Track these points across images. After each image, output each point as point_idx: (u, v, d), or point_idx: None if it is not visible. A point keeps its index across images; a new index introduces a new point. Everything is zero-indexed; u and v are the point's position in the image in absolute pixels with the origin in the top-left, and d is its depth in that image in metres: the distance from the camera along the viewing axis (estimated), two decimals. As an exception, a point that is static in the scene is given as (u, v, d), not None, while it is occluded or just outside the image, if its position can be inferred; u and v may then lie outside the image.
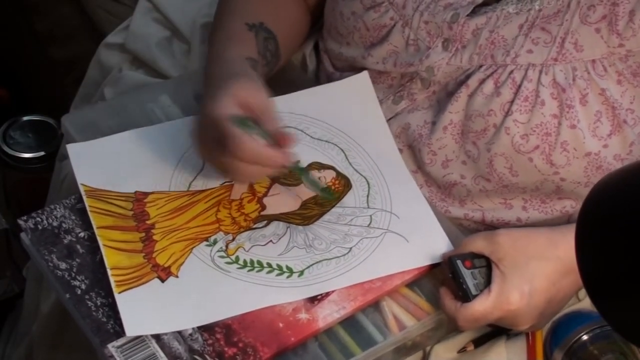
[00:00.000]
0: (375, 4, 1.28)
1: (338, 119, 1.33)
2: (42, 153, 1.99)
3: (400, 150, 1.30)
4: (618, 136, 1.20)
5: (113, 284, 1.14)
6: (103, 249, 1.16)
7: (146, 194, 1.23)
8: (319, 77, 1.42)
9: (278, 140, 1.17)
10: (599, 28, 1.19)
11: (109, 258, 1.16)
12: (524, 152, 1.20)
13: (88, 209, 1.20)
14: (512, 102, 1.20)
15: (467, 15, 1.24)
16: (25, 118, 2.02)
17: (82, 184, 1.22)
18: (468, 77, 1.24)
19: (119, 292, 1.13)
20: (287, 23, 1.38)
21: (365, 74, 1.33)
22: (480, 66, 1.23)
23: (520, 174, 1.22)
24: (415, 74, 1.28)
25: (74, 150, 1.26)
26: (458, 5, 1.25)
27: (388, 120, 1.31)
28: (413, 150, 1.29)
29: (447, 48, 1.25)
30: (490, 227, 1.28)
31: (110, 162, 1.25)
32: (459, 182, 1.27)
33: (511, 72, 1.21)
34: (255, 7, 1.35)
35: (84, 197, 1.21)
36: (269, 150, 1.16)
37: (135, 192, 1.23)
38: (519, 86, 1.20)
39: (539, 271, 1.16)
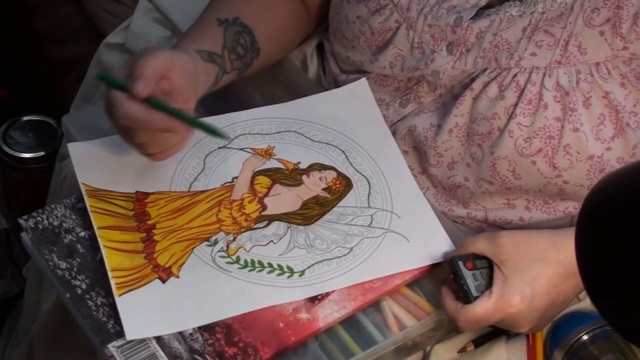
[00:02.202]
0: (380, 6, 1.28)
1: (339, 124, 1.33)
2: (42, 153, 1.99)
3: (406, 152, 1.30)
4: (621, 139, 1.20)
5: (114, 287, 1.13)
6: (104, 250, 1.16)
7: (147, 194, 1.23)
8: (324, 79, 1.42)
9: None
10: (603, 31, 1.19)
11: (110, 259, 1.15)
12: (527, 155, 1.20)
13: (89, 208, 1.19)
14: (515, 105, 1.20)
15: (471, 19, 1.24)
16: (25, 118, 2.03)
17: (83, 183, 1.22)
18: (473, 80, 1.24)
19: (120, 295, 1.13)
20: (269, 17, 1.37)
21: (363, 81, 1.33)
22: (485, 69, 1.23)
23: (523, 177, 1.22)
24: (421, 77, 1.28)
25: (75, 149, 1.26)
26: (461, 8, 1.24)
27: (395, 123, 1.31)
28: (419, 152, 1.29)
29: (452, 52, 1.25)
30: (493, 225, 1.28)
31: (111, 162, 1.24)
32: (463, 185, 1.27)
33: (515, 75, 1.21)
34: (231, 2, 1.35)
35: (85, 197, 1.20)
36: (139, 111, 1.14)
37: (136, 192, 1.23)
38: (523, 89, 1.20)
39: (540, 274, 1.15)
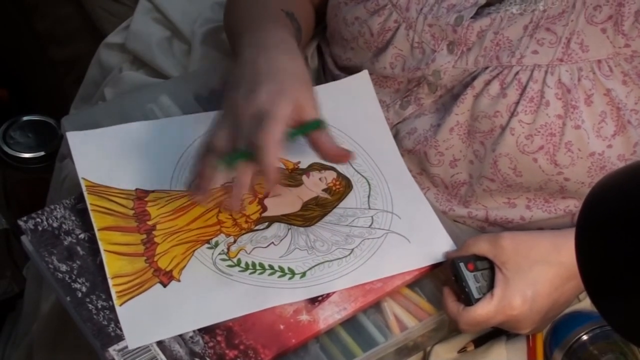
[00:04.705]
0: (379, 7, 1.28)
1: (338, 120, 1.32)
2: (42, 153, 1.99)
3: (404, 154, 1.30)
4: (622, 137, 1.20)
5: (114, 296, 1.13)
6: (104, 255, 1.15)
7: (147, 193, 1.22)
8: (324, 79, 1.42)
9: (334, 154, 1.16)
10: (605, 28, 1.19)
11: (110, 265, 1.15)
12: (529, 152, 1.20)
13: (89, 207, 1.19)
14: (517, 103, 1.20)
15: (471, 18, 1.24)
16: (25, 118, 2.03)
17: (83, 178, 1.21)
18: (474, 78, 1.24)
19: (120, 305, 1.12)
20: (305, 18, 1.37)
21: (365, 73, 1.33)
22: (486, 68, 1.23)
23: (525, 174, 1.22)
24: (422, 78, 1.28)
25: (74, 139, 1.24)
26: (461, 7, 1.24)
27: (395, 125, 1.31)
28: (418, 154, 1.29)
29: (453, 51, 1.25)
30: (494, 224, 1.28)
31: (111, 154, 1.23)
32: (467, 182, 1.27)
33: (517, 73, 1.21)
34: None
35: (85, 194, 1.20)
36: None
37: (136, 189, 1.23)
38: (525, 87, 1.20)
39: (542, 276, 1.15)
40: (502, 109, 1.21)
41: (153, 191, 1.23)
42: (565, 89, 1.19)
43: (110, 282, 1.14)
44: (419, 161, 1.29)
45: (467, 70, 1.25)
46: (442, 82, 1.26)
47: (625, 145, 1.20)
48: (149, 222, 1.20)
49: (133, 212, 1.21)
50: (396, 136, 1.31)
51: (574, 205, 1.26)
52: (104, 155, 1.24)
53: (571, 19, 1.20)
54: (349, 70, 1.36)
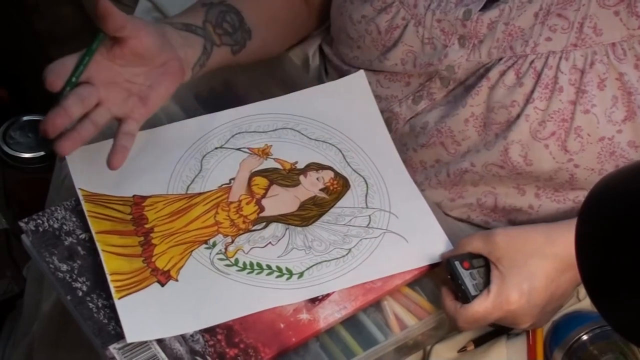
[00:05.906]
0: (386, 5, 1.28)
1: (335, 120, 1.33)
2: (42, 153, 1.98)
3: (418, 149, 1.30)
4: (632, 122, 1.19)
5: (113, 290, 1.13)
6: (102, 255, 1.16)
7: (144, 198, 1.23)
8: (326, 79, 1.42)
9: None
10: (618, 10, 1.18)
11: (108, 263, 1.15)
12: (540, 138, 1.20)
13: (86, 213, 1.19)
14: (533, 90, 1.20)
15: (480, 10, 1.23)
16: (25, 118, 2.02)
17: (80, 189, 1.21)
18: (488, 70, 1.23)
19: (119, 298, 1.13)
20: (258, 3, 1.36)
21: (361, 73, 1.33)
22: (500, 59, 1.23)
23: (535, 162, 1.22)
24: (434, 73, 1.28)
25: (71, 154, 1.25)
26: (469, 0, 1.24)
27: (408, 120, 1.31)
28: (434, 146, 1.28)
29: (464, 45, 1.25)
30: (502, 212, 1.28)
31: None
32: (470, 170, 1.26)
33: (532, 61, 1.20)
34: None
35: (82, 202, 1.20)
36: None
37: (134, 195, 1.23)
38: (540, 74, 1.20)
39: (537, 270, 1.15)
40: (518, 98, 1.21)
41: (150, 196, 1.23)
42: (579, 74, 1.19)
43: (109, 278, 1.14)
44: (435, 153, 1.29)
45: (480, 62, 1.25)
46: (456, 76, 1.26)
47: (635, 131, 1.19)
48: (147, 225, 1.20)
49: (130, 217, 1.21)
50: (411, 132, 1.31)
51: (583, 196, 1.25)
52: (100, 167, 1.23)
53: (582, 3, 1.19)
54: (357, 69, 1.36)
